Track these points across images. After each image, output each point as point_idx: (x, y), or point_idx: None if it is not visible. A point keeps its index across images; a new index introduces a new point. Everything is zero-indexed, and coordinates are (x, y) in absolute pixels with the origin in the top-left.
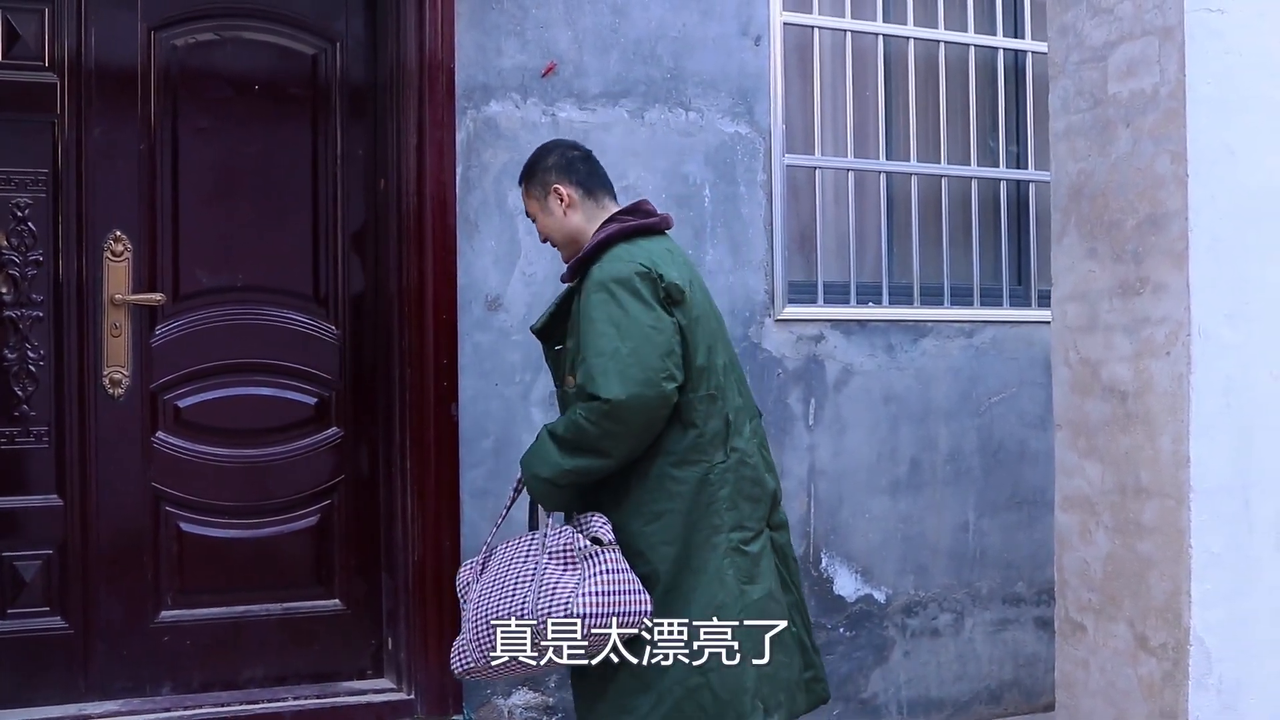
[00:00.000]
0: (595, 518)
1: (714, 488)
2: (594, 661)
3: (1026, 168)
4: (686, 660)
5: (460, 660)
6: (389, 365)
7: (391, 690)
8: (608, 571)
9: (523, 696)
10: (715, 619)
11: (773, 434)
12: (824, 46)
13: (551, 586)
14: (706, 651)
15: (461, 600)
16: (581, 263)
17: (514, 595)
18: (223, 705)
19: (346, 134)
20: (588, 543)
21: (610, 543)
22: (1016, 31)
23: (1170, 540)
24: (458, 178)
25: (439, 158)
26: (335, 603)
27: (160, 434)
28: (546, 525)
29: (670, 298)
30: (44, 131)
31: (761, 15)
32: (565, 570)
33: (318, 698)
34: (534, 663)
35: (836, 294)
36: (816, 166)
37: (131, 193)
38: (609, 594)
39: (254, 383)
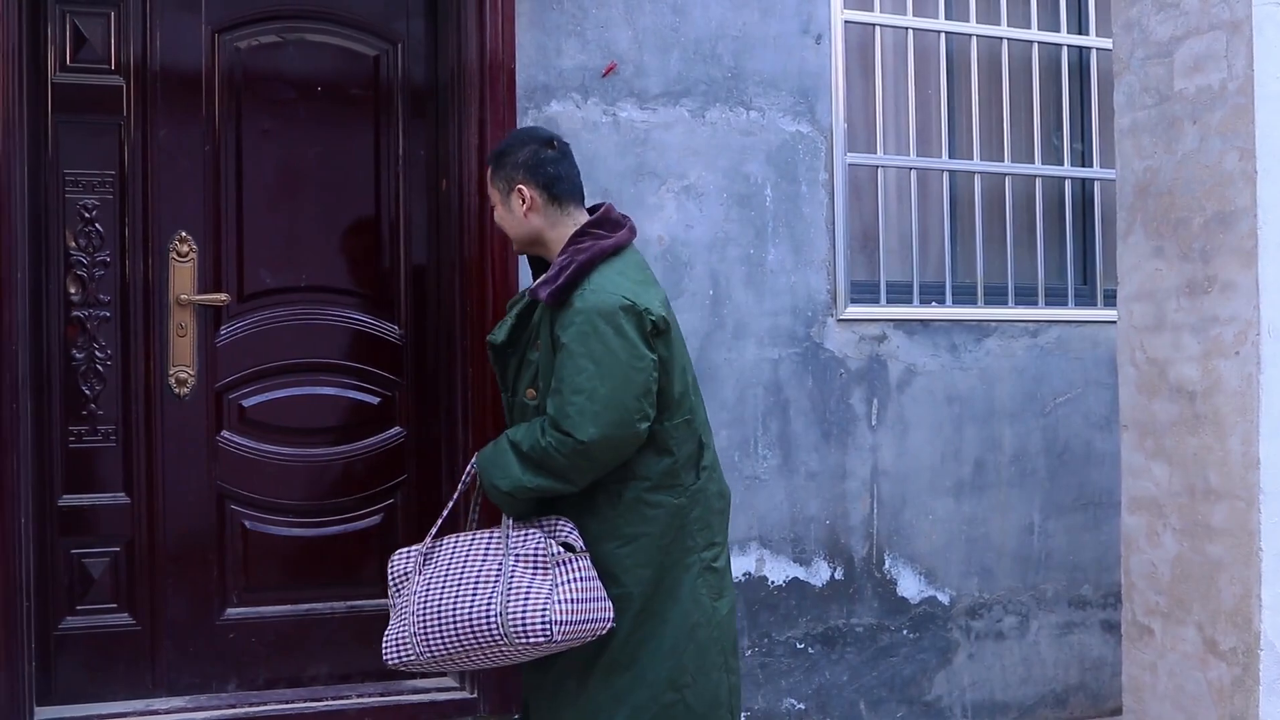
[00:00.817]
0: (563, 523)
1: (686, 510)
2: (557, 675)
3: (1091, 165)
4: (663, 678)
5: (399, 653)
6: (451, 365)
7: (455, 689)
8: (579, 579)
9: None
10: (691, 638)
11: (835, 434)
12: (885, 44)
13: (523, 591)
14: (685, 669)
15: (393, 589)
16: (561, 290)
17: (474, 595)
18: (287, 703)
19: (408, 134)
20: (560, 549)
21: (582, 550)
22: (1080, 27)
23: (1240, 543)
24: None
25: None
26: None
27: (225, 433)
28: (509, 527)
29: (655, 330)
30: (110, 134)
31: (822, 13)
32: (535, 575)
33: (381, 695)
34: (480, 664)
35: (899, 293)
36: (878, 165)
37: (196, 194)
38: (580, 602)
39: (317, 382)
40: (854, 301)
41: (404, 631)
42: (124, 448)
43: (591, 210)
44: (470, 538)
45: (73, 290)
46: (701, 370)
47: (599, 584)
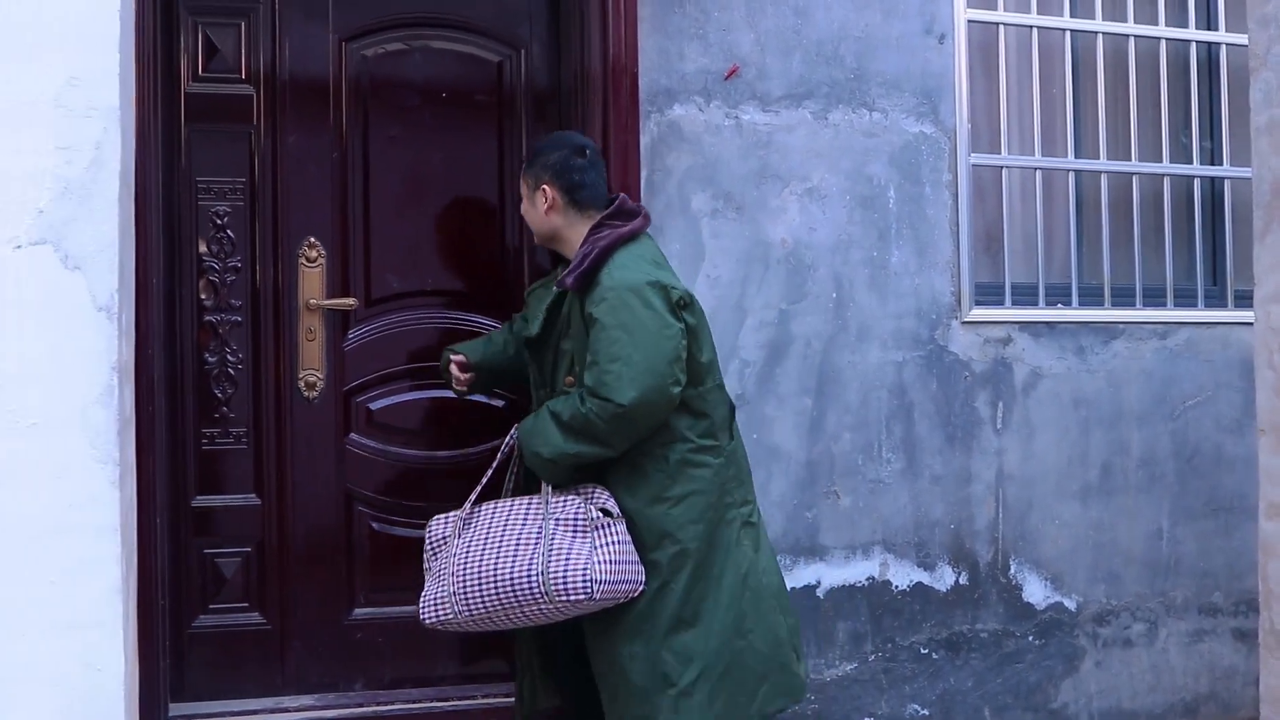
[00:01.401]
0: (600, 490)
1: (725, 469)
2: (620, 641)
3: (1221, 164)
4: (728, 626)
5: (437, 613)
6: None
7: None
8: (617, 542)
9: None
10: (745, 585)
11: (959, 437)
12: (1009, 43)
13: (563, 552)
14: (745, 615)
15: (429, 553)
16: (586, 274)
17: (515, 556)
18: (414, 702)
19: (531, 139)
20: (599, 514)
21: (618, 515)
22: (1209, 23)
23: None
24: (642, 181)
25: (623, 162)
26: None
27: (353, 435)
28: (548, 493)
29: (681, 303)
30: (241, 142)
31: (945, 13)
32: (575, 538)
33: (507, 696)
34: (516, 623)
35: (1024, 295)
36: (1003, 166)
37: (324, 200)
38: (617, 563)
39: (443, 385)
40: (978, 304)
41: (443, 592)
42: (255, 450)
43: (608, 204)
44: (509, 504)
45: (205, 295)
46: (825, 373)
47: (633, 548)
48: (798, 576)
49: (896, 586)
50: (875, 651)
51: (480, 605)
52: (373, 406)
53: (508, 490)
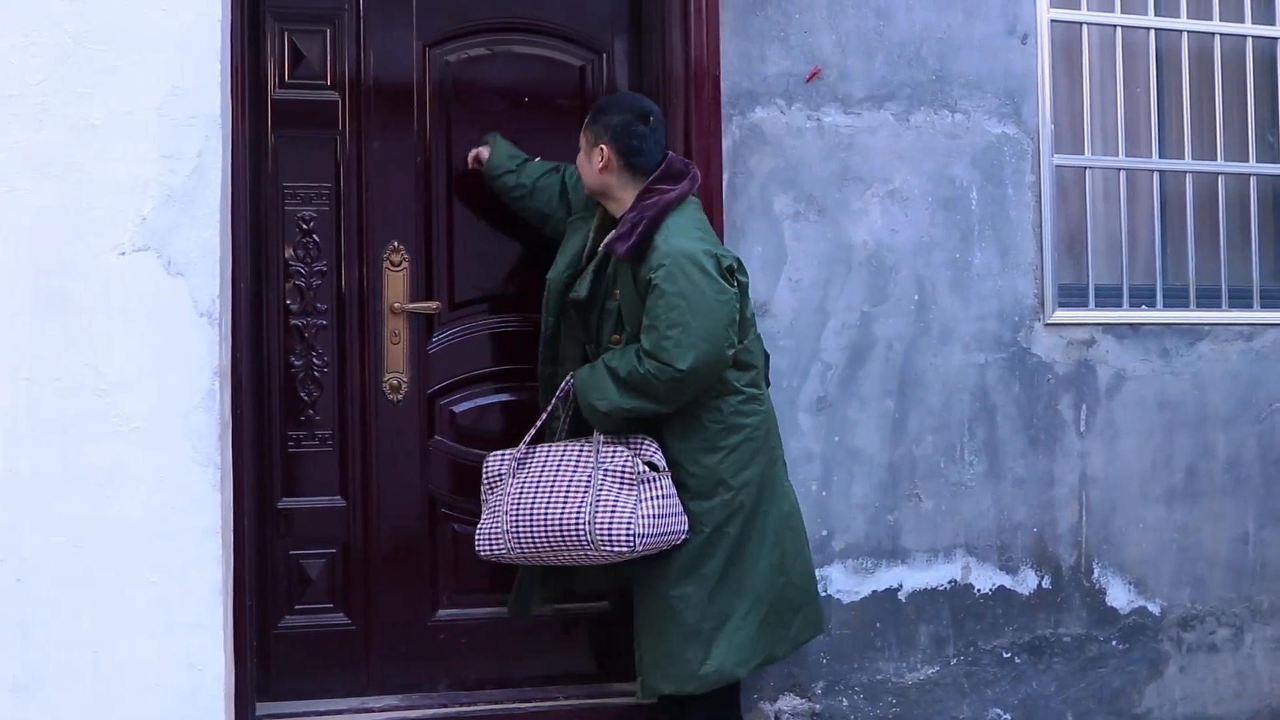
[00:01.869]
0: (648, 443)
1: (769, 417)
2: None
3: None
4: (773, 563)
5: (490, 545)
6: None
7: None
8: (661, 496)
9: (790, 702)
10: (787, 524)
11: (1042, 440)
12: (1093, 42)
13: (610, 503)
14: (786, 553)
15: (486, 487)
16: (638, 243)
17: (565, 502)
18: (497, 703)
19: None
20: (645, 467)
21: (664, 469)
22: None
23: None
24: (724, 184)
25: (706, 165)
26: (604, 604)
27: (436, 438)
28: (599, 442)
29: (731, 270)
30: (326, 147)
31: (1028, 13)
32: (621, 489)
33: (589, 698)
34: (563, 563)
35: (1108, 297)
36: (1086, 166)
37: (408, 204)
38: (660, 517)
39: (526, 389)
40: (1062, 305)
41: (497, 527)
42: (340, 452)
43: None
44: (562, 448)
45: (291, 300)
46: (907, 376)
47: (677, 500)
48: (879, 579)
49: (978, 590)
50: (957, 655)
51: (530, 543)
52: (456, 409)
53: (561, 433)
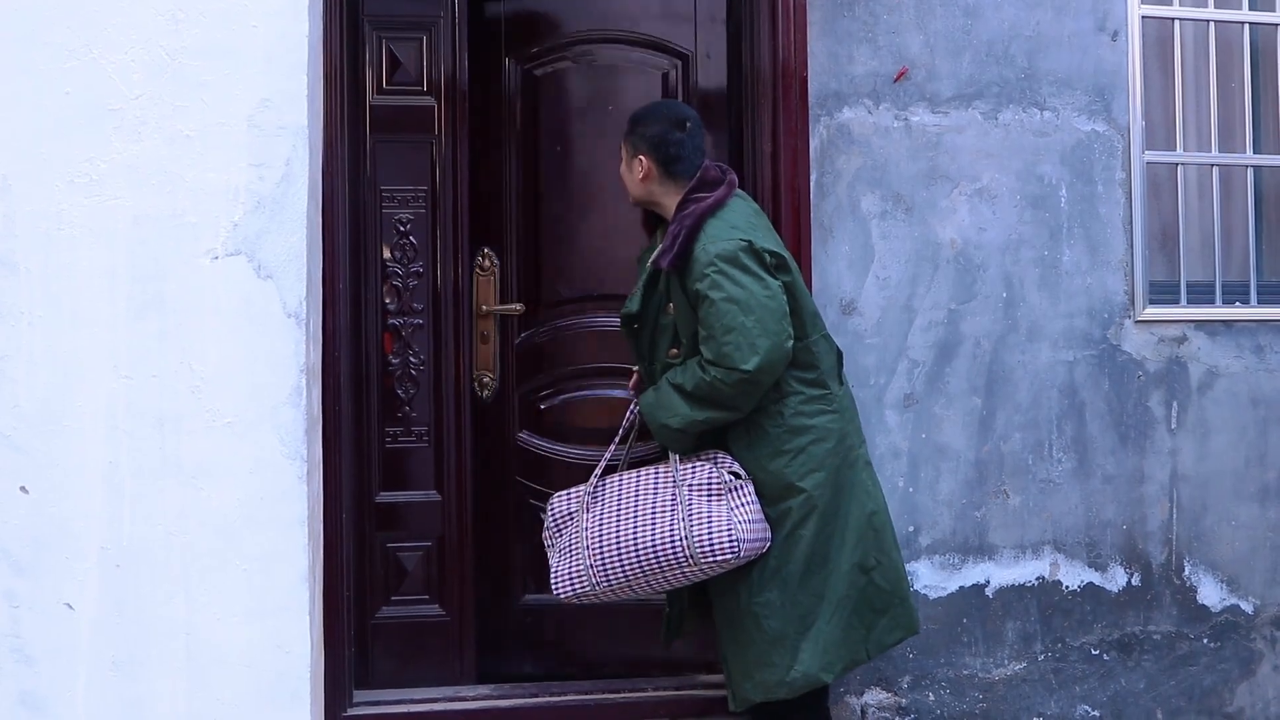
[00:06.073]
0: (723, 456)
1: (842, 415)
2: (754, 590)
3: None
4: (855, 565)
5: (573, 586)
6: None
7: None
8: (750, 503)
9: (875, 696)
10: (870, 525)
11: (1132, 437)
12: (1185, 38)
13: (704, 516)
14: (869, 554)
15: (554, 529)
16: (679, 255)
17: (654, 523)
18: (586, 694)
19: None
20: (730, 476)
21: (746, 477)
22: None
23: None
24: (812, 184)
25: (793, 165)
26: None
27: (523, 433)
28: (675, 462)
29: (775, 262)
30: (423, 151)
31: (1119, 10)
32: (710, 500)
33: (676, 689)
34: (652, 590)
35: (1200, 293)
36: (1178, 163)
37: (498, 208)
38: (754, 522)
39: (609, 385)
40: (1153, 303)
41: (577, 565)
42: (435, 448)
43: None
44: (636, 475)
45: (389, 299)
46: (994, 373)
47: (760, 507)
48: (966, 575)
49: (1067, 587)
50: (1045, 651)
51: (620, 574)
52: (542, 406)
53: (625, 463)
